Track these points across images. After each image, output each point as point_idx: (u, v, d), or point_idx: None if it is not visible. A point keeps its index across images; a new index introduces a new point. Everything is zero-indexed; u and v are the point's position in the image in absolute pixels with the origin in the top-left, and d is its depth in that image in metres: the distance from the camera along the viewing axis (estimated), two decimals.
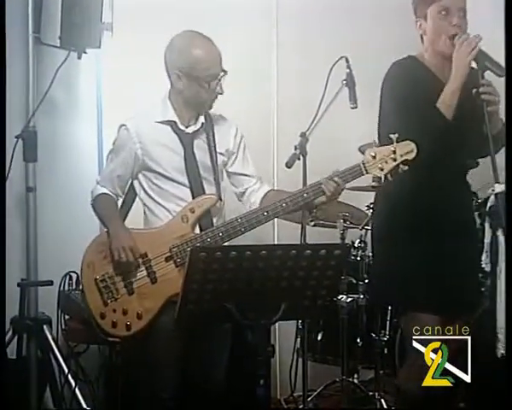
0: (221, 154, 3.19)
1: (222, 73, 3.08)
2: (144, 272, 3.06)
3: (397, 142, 2.95)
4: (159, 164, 3.13)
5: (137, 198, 3.23)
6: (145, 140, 3.12)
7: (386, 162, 2.98)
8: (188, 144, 3.14)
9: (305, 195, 3.03)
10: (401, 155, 2.96)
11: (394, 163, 2.97)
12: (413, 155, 2.95)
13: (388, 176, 2.98)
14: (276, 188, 4.35)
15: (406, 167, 2.96)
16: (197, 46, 3.06)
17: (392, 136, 2.95)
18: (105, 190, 3.18)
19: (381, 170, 2.98)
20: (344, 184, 3.01)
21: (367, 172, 3.00)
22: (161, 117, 3.14)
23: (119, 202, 3.25)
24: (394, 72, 3.16)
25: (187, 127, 3.14)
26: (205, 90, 3.07)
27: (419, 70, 3.15)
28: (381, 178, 2.99)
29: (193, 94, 3.10)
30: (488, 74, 3.01)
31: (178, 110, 3.14)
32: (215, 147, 3.16)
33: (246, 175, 3.24)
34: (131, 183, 3.22)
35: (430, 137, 3.01)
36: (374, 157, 2.98)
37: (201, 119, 3.15)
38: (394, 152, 2.96)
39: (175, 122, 3.13)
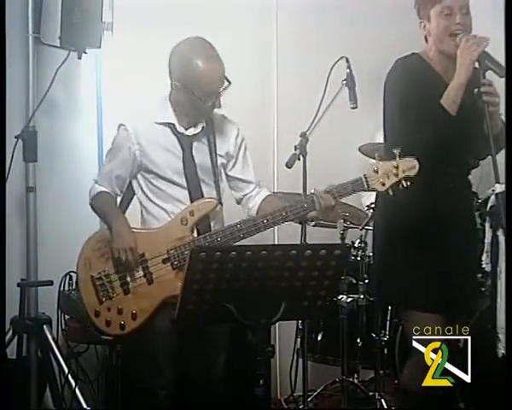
0: (221, 156, 3.17)
1: (224, 85, 3.03)
2: (141, 273, 3.05)
3: (399, 157, 2.95)
4: (157, 165, 3.11)
5: (135, 197, 3.23)
6: (143, 141, 3.11)
7: (388, 177, 2.98)
8: (187, 147, 3.12)
9: (305, 205, 3.03)
10: (403, 171, 2.96)
11: (396, 179, 2.97)
12: (415, 171, 2.96)
13: (390, 191, 2.99)
14: (276, 188, 4.35)
15: (408, 183, 2.96)
16: (199, 59, 3.00)
17: (395, 151, 2.95)
18: (103, 189, 3.17)
19: (383, 185, 2.99)
20: (338, 201, 3.02)
21: (368, 187, 3.01)
22: (161, 117, 3.12)
23: (118, 200, 3.24)
24: (398, 69, 3.15)
25: (186, 130, 3.13)
26: (201, 104, 3.04)
27: (423, 68, 3.14)
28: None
29: (189, 106, 3.08)
30: (488, 75, 3.01)
31: (178, 111, 3.13)
32: (215, 149, 3.15)
33: (245, 181, 3.23)
34: (130, 182, 3.20)
35: (433, 134, 3.00)
36: (376, 172, 2.98)
37: (202, 122, 3.14)
38: (397, 168, 2.96)
39: (174, 125, 3.11)
